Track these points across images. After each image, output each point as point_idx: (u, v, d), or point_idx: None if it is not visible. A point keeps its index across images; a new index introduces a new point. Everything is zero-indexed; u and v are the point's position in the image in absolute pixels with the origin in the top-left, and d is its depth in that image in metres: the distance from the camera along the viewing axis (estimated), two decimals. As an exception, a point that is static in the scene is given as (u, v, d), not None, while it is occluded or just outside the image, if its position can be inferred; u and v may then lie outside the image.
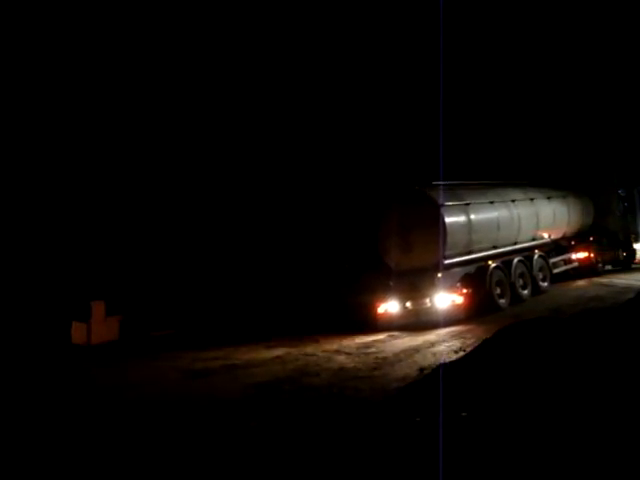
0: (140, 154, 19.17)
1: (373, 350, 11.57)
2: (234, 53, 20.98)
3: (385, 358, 10.59)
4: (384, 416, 6.51)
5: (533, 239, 17.08)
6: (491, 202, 15.54)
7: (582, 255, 18.64)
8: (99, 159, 18.65)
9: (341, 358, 11.12)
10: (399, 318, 14.38)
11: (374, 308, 14.74)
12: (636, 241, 21.87)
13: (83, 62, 19.23)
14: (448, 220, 13.84)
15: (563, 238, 18.80)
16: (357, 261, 16.63)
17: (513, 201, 16.35)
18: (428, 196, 14.11)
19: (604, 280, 18.07)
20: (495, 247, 15.40)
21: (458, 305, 13.50)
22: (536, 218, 17.15)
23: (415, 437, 5.36)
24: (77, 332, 15.37)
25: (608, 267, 20.56)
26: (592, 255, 18.79)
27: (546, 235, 17.72)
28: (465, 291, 13.53)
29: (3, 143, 17.48)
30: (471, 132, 22.41)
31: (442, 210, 13.78)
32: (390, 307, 14.51)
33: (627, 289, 14.99)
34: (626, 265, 20.86)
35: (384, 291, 14.63)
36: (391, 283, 14.53)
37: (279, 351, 12.18)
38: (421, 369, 8.98)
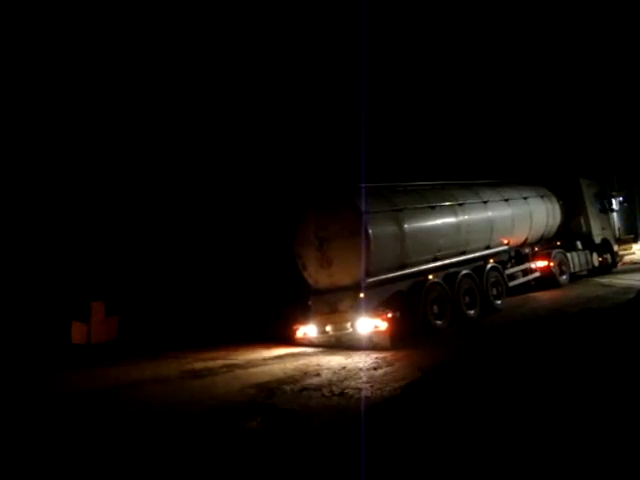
0: (140, 157, 19.34)
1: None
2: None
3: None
4: (383, 416, 6.57)
5: (487, 247, 14.93)
6: (432, 207, 13.35)
7: (541, 264, 16.47)
8: (99, 161, 18.84)
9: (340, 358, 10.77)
10: (319, 344, 12.32)
11: (292, 331, 12.73)
12: (635, 241, 22.25)
13: (79, 65, 19.69)
14: (373, 230, 11.66)
15: (525, 244, 16.65)
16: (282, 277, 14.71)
17: (461, 205, 14.19)
18: (348, 201, 11.93)
19: (604, 280, 17.23)
20: (437, 259, 13.27)
21: (381, 332, 11.32)
22: (490, 223, 15.00)
23: (412, 437, 5.47)
24: (77, 332, 15.47)
25: (583, 272, 18.49)
26: (551, 264, 16.60)
27: (504, 242, 15.59)
28: (390, 315, 11.32)
29: (4, 143, 17.63)
30: (424, 130, 20.63)
31: (365, 218, 11.61)
32: (309, 331, 12.45)
33: (627, 289, 14.39)
34: (604, 270, 18.78)
35: (303, 312, 12.57)
36: (310, 303, 12.43)
37: (279, 351, 12.01)
38: (420, 368, 8.80)
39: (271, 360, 11.08)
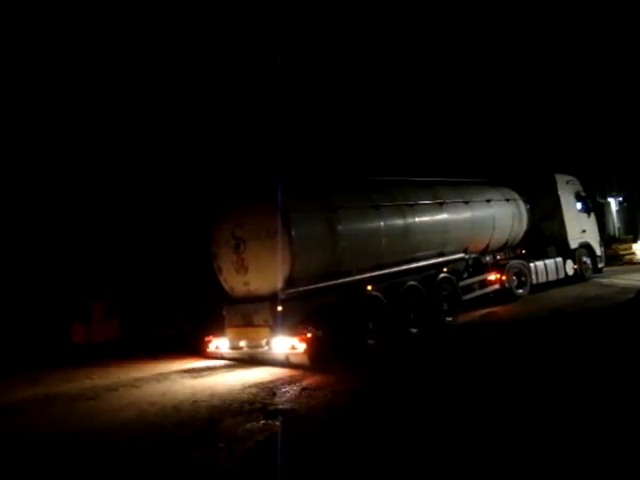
0: (139, 157, 19.00)
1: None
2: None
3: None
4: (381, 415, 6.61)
5: (440, 254, 13.24)
6: (375, 206, 11.59)
7: (493, 277, 14.72)
8: (99, 160, 18.67)
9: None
10: (232, 359, 10.62)
11: (204, 343, 11.01)
12: (635, 241, 22.09)
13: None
14: (297, 231, 9.90)
15: (486, 252, 14.95)
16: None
17: (411, 205, 12.45)
18: (266, 196, 10.12)
19: (604, 280, 16.85)
20: (379, 267, 11.53)
21: (298, 354, 9.56)
22: (445, 228, 13.32)
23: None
24: (77, 331, 15.44)
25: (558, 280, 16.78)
26: (504, 277, 14.85)
27: (460, 249, 13.91)
28: (310, 335, 9.55)
29: (4, 144, 17.57)
30: (389, 122, 19.08)
31: (288, 217, 9.85)
32: (221, 344, 10.73)
33: (627, 289, 14.04)
34: (580, 278, 17.01)
35: (217, 323, 10.83)
36: (224, 313, 10.67)
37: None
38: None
39: (272, 360, 10.49)
